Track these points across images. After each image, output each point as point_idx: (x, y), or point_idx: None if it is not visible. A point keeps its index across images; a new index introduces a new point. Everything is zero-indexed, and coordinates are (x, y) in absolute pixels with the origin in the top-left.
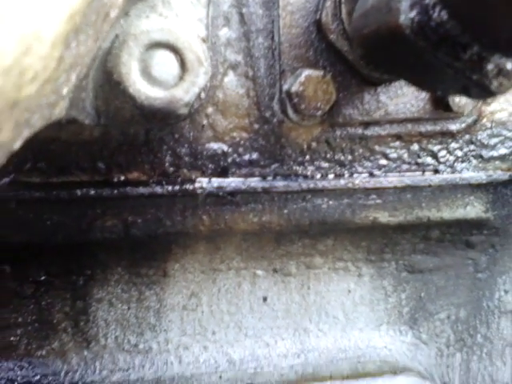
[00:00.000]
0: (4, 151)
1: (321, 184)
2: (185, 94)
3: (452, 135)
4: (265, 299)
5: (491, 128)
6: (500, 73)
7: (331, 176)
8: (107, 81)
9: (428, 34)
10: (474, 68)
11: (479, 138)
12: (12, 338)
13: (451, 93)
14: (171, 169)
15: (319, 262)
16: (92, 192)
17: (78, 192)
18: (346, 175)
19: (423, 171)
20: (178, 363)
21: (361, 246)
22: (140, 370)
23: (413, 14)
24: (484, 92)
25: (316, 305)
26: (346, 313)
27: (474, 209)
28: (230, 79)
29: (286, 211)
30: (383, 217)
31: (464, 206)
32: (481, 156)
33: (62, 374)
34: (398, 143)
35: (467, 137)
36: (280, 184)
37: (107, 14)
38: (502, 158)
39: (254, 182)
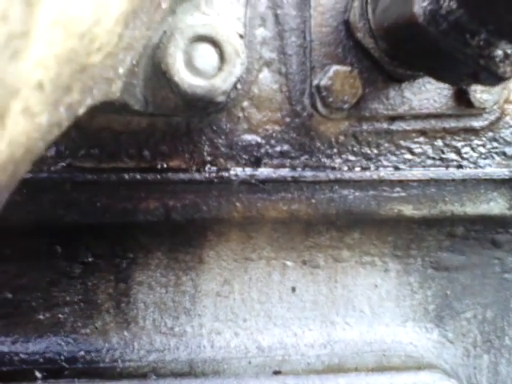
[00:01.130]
0: (71, 113)
1: (347, 175)
2: (223, 82)
3: (475, 132)
4: (293, 290)
5: None
6: (507, 58)
7: (357, 168)
8: (155, 73)
9: (439, 21)
10: (482, 53)
11: (502, 135)
12: (60, 316)
13: (464, 80)
14: (209, 158)
15: (346, 256)
16: (138, 177)
17: (126, 176)
18: (372, 168)
19: (447, 166)
20: (210, 347)
21: (387, 240)
22: (175, 352)
23: (425, 3)
24: (492, 77)
25: (343, 298)
26: (372, 307)
27: (497, 205)
28: (265, 75)
29: (313, 201)
30: (407, 209)
31: (487, 201)
32: (504, 153)
33: (104, 351)
34: (422, 139)
35: (490, 134)
36: (308, 174)
37: (159, 4)
38: None
39: (284, 172)
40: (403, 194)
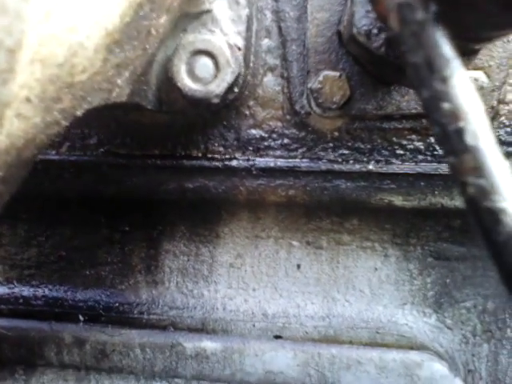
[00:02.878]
0: (67, 115)
1: (338, 167)
2: (217, 87)
3: None
4: (298, 267)
5: (510, 126)
6: None
7: (350, 161)
8: (167, 79)
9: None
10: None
11: (497, 134)
12: (102, 273)
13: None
14: (220, 148)
15: (347, 240)
16: (159, 162)
17: (151, 161)
18: (363, 161)
19: (439, 162)
20: (222, 309)
21: (385, 228)
22: (192, 311)
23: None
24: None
25: (344, 278)
26: (371, 288)
27: None
28: (269, 79)
29: (308, 188)
30: (398, 200)
31: None
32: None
33: (134, 304)
34: (414, 136)
35: None
36: (303, 165)
37: (149, 32)
38: None
39: (282, 162)
40: (393, 186)
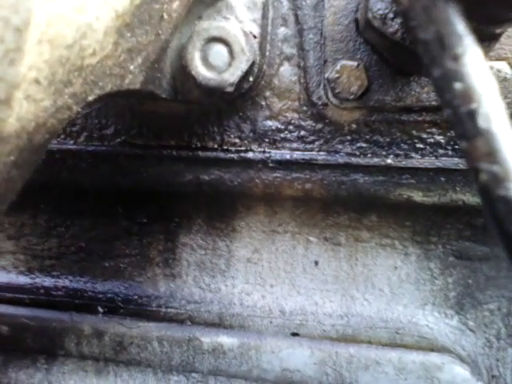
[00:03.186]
0: (79, 100)
1: (356, 160)
2: (231, 76)
3: None
4: (316, 263)
5: None
6: None
7: (368, 155)
8: (182, 68)
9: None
10: None
11: None
12: (121, 265)
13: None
14: (236, 140)
15: (366, 236)
16: (175, 153)
17: (166, 152)
18: (382, 155)
19: (460, 157)
20: (239, 305)
21: (405, 225)
22: (209, 305)
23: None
24: None
25: (363, 276)
26: (391, 287)
27: None
28: (285, 68)
29: (325, 182)
30: (417, 196)
31: None
32: None
33: (152, 297)
34: (434, 129)
35: None
36: (320, 158)
37: (162, 17)
38: None
39: (299, 155)
40: (412, 181)
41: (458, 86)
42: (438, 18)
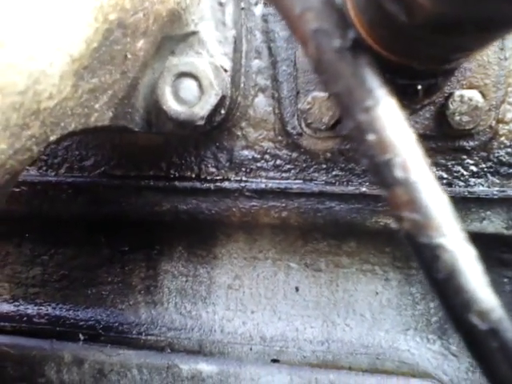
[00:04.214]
0: (39, 141)
1: (331, 188)
2: (201, 110)
3: (466, 152)
4: (297, 289)
5: (510, 146)
6: None
7: (343, 183)
8: (154, 101)
9: None
10: None
11: (496, 155)
12: (103, 293)
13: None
14: (213, 170)
15: (347, 262)
16: (152, 183)
17: (145, 183)
18: (357, 183)
19: None
20: (220, 331)
21: (385, 251)
22: (189, 332)
23: None
24: None
25: (344, 301)
26: (372, 313)
27: (491, 224)
28: (260, 99)
29: (301, 210)
30: (394, 223)
31: (479, 220)
32: (498, 173)
33: (133, 325)
34: None
35: (483, 154)
36: (296, 186)
37: (125, 56)
38: None
39: (274, 184)
40: (388, 208)
41: (371, 137)
42: (346, 71)
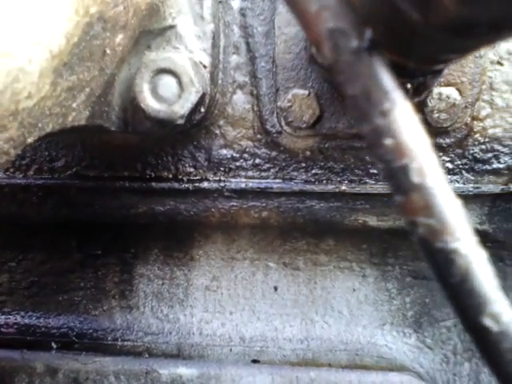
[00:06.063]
0: (17, 144)
1: (311, 187)
2: (181, 108)
3: (442, 149)
4: (276, 288)
5: (484, 143)
6: None
7: (323, 181)
8: (131, 99)
9: None
10: None
11: (471, 152)
12: (75, 298)
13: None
14: (191, 169)
15: (324, 260)
16: (128, 185)
17: (120, 184)
18: (336, 181)
19: None
20: (198, 334)
21: (362, 248)
22: (167, 336)
23: None
24: None
25: (322, 299)
26: (350, 309)
27: None
28: (238, 97)
29: (281, 209)
30: (372, 221)
31: None
32: (473, 169)
33: (108, 330)
34: None
35: (459, 151)
36: (275, 185)
37: (104, 52)
38: (497, 172)
39: (255, 183)
40: (367, 206)
41: (388, 141)
42: (363, 73)
